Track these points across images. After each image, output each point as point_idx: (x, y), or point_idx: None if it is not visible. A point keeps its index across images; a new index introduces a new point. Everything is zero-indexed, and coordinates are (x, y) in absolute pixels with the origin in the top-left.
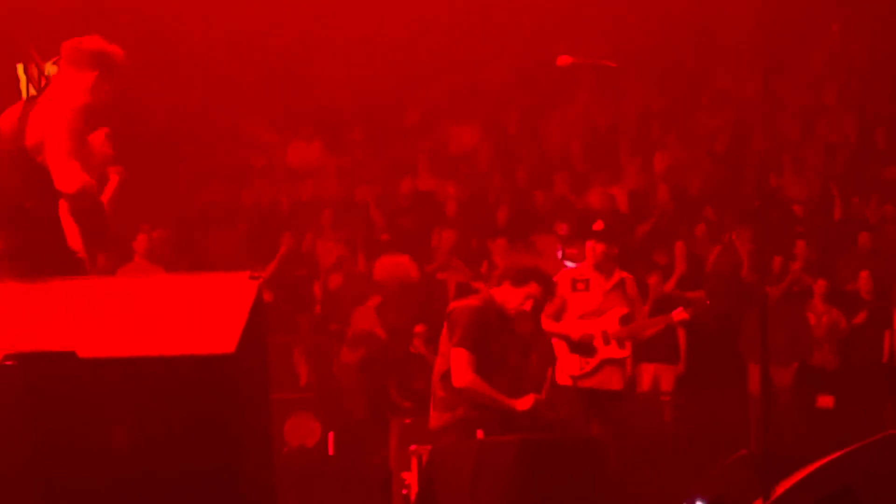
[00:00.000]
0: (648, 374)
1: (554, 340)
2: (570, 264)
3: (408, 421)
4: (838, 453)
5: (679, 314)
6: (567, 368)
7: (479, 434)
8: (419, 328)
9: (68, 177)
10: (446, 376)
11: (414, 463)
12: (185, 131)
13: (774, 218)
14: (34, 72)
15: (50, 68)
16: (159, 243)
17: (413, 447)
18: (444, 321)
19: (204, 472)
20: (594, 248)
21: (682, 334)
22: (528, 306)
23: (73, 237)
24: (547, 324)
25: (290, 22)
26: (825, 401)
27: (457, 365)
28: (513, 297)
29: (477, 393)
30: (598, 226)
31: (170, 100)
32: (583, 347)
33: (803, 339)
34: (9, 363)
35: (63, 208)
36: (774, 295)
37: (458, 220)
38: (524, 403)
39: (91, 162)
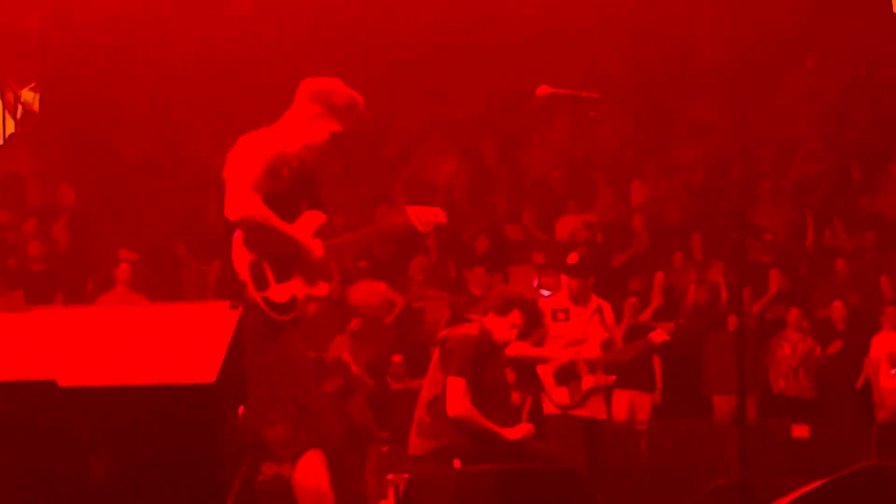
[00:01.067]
0: (625, 402)
1: (540, 370)
2: (545, 293)
3: (385, 450)
4: (815, 484)
5: (659, 335)
6: (557, 398)
7: (457, 463)
8: (396, 358)
9: (236, 204)
10: (435, 403)
11: (391, 492)
12: (165, 161)
13: (751, 248)
14: (10, 97)
15: (27, 94)
16: (140, 271)
17: (390, 476)
18: (434, 347)
19: (183, 501)
20: (570, 284)
21: (658, 363)
22: (512, 335)
23: (240, 264)
24: (530, 350)
25: (265, 54)
26: (801, 430)
27: (453, 394)
28: (499, 327)
29: (471, 422)
30: (573, 259)
31: (149, 131)
32: (569, 375)
33: (768, 369)
34: None
35: (238, 236)
36: (746, 324)
37: (436, 250)
38: (516, 433)
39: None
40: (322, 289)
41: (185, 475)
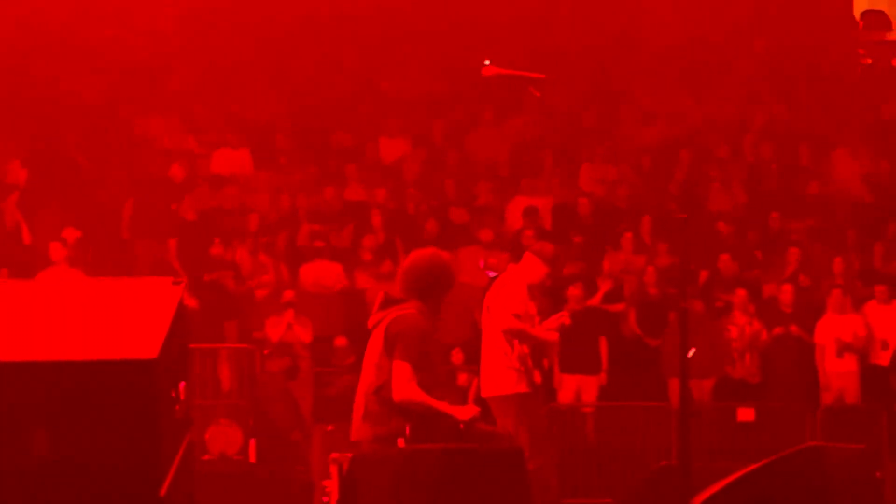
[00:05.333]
0: (571, 385)
1: (523, 349)
2: (492, 274)
3: (329, 429)
4: (757, 465)
5: (566, 318)
6: (536, 378)
7: (401, 443)
8: (341, 339)
9: None
10: (382, 389)
11: (334, 471)
12: (117, 138)
13: (699, 232)
14: None
15: None
16: (79, 248)
17: (334, 455)
18: (373, 331)
19: (124, 477)
20: (543, 271)
21: (604, 345)
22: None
23: None
24: (529, 329)
25: (214, 36)
26: (746, 413)
27: (399, 379)
28: None
29: (419, 405)
30: (549, 249)
31: (93, 108)
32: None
33: (722, 353)
34: None
35: None
36: (697, 308)
37: (386, 231)
38: (466, 413)
39: None
40: None
41: (125, 450)
